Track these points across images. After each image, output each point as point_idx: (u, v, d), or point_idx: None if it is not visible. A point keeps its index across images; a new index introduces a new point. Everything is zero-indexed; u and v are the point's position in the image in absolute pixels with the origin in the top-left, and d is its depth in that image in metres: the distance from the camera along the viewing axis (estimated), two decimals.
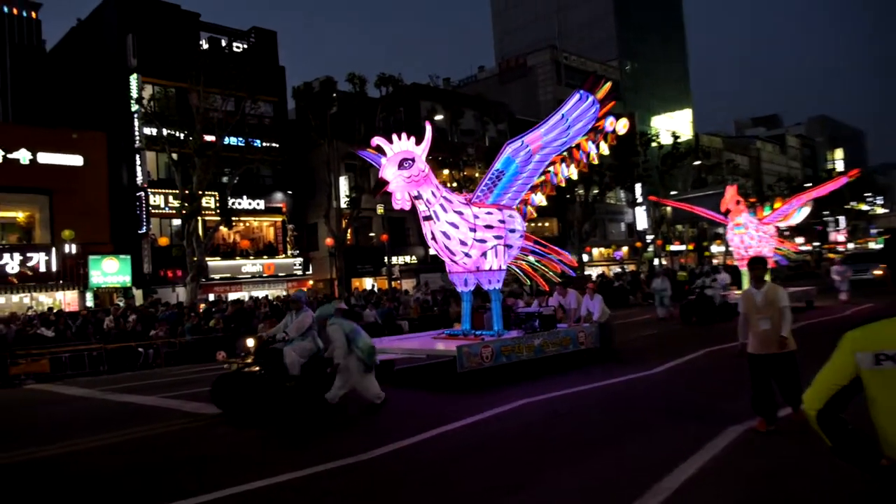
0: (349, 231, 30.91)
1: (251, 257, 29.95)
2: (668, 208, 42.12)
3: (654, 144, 45.13)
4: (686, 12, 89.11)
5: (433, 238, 10.61)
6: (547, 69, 52.64)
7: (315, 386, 8.76)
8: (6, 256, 22.67)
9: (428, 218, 10.44)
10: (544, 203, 12.66)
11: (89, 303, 23.99)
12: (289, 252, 31.51)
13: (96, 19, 31.28)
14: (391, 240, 30.15)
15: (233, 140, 27.01)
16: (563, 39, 65.20)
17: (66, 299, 24.26)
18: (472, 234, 10.53)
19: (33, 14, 38.09)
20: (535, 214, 12.60)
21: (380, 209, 29.84)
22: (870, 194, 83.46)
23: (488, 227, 10.76)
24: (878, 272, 27.23)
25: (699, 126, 74.09)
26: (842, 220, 72.50)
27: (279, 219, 31.60)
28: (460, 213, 10.47)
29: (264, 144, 29.44)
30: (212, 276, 27.96)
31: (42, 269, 23.37)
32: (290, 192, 31.76)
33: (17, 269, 22.76)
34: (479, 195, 11.01)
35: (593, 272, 40.22)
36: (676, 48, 75.28)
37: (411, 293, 25.48)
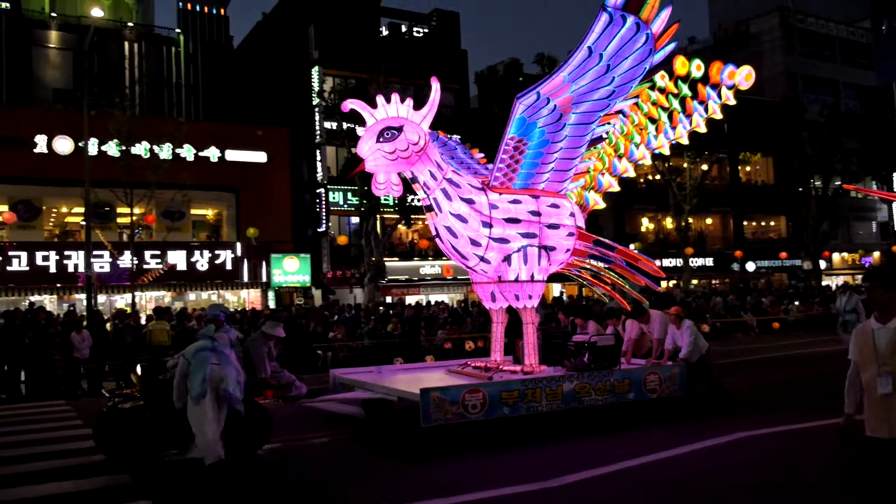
0: None
1: (430, 258, 31.15)
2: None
3: None
4: None
5: (438, 236, 9.00)
6: (775, 36, 48.99)
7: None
8: (196, 254, 25.68)
9: (430, 209, 8.89)
10: (614, 188, 10.49)
11: (271, 302, 26.46)
12: None
13: (280, 12, 34.46)
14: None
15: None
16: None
17: (250, 298, 26.95)
18: (487, 231, 8.68)
19: (222, 10, 42.75)
20: (598, 205, 10.38)
21: None
22: None
23: (511, 220, 8.79)
24: None
25: None
26: None
27: None
28: (470, 202, 8.63)
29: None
30: (390, 277, 29.51)
31: (228, 266, 26.18)
32: None
33: (206, 267, 25.70)
34: (500, 176, 8.83)
35: (833, 282, 36.78)
36: None
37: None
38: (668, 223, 36.80)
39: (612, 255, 9.67)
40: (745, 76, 9.61)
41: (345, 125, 27.01)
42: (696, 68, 9.53)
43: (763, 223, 41.45)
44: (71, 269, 23.02)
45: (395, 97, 8.43)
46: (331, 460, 7.78)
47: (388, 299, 27.76)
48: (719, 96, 9.72)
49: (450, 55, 32.28)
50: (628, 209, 36.32)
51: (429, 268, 30.96)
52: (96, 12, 23.62)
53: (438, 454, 7.72)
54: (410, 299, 28.43)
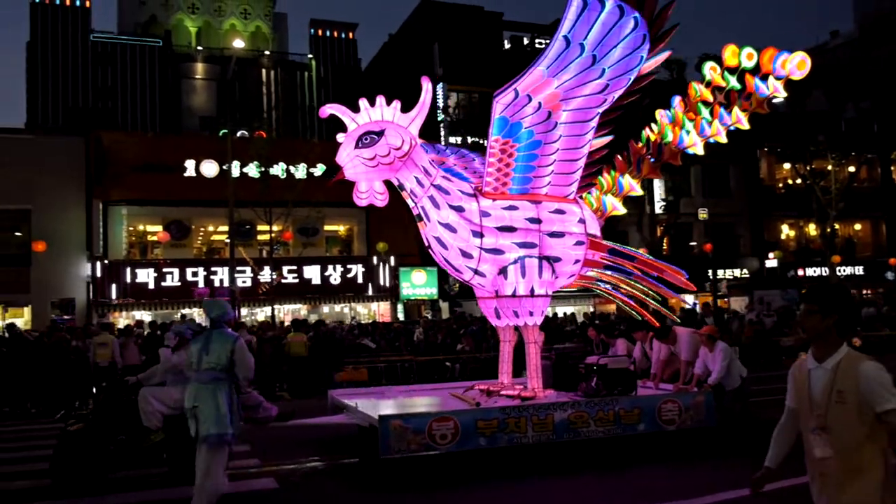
0: (665, 239, 30.17)
1: None
2: None
3: None
4: None
5: (430, 248, 8.35)
6: None
7: (182, 449, 6.93)
8: (329, 268, 26.80)
9: (419, 218, 8.24)
10: (637, 192, 9.44)
11: (400, 314, 27.17)
12: None
13: (405, 32, 35.52)
14: (716, 249, 28.66)
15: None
16: None
17: (380, 310, 27.80)
18: (478, 241, 7.92)
19: (350, 35, 44.59)
20: (616, 210, 9.37)
21: (702, 214, 28.62)
22: None
23: (506, 229, 7.97)
24: None
25: None
26: None
27: None
28: (459, 210, 7.89)
29: None
30: None
31: (359, 280, 27.15)
32: None
33: (339, 281, 26.77)
34: (491, 181, 7.99)
35: None
36: None
37: (743, 313, 23.91)
38: (812, 230, 34.66)
39: (631, 265, 8.84)
40: (797, 64, 8.55)
41: (469, 139, 27.40)
42: (748, 57, 8.64)
43: (841, 226, 38.30)
44: (217, 283, 24.66)
45: (380, 100, 7.90)
46: (277, 496, 7.16)
47: None
48: (767, 88, 8.74)
49: None
50: (767, 216, 34.50)
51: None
52: (238, 43, 25.36)
53: (395, 489, 7.09)
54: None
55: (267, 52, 40.68)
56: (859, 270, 34.79)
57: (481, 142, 27.07)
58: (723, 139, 9.04)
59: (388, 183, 8.32)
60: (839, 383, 3.05)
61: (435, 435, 7.19)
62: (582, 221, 8.50)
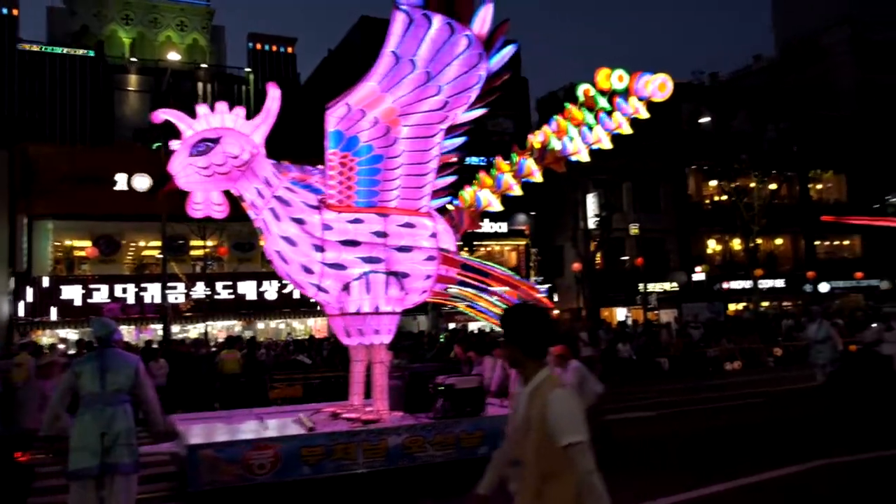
0: (598, 254, 30.71)
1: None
2: None
3: None
4: None
5: (272, 262, 7.92)
6: (844, 49, 47.42)
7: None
8: (265, 283, 26.31)
9: (260, 232, 7.88)
10: (495, 207, 9.23)
11: None
12: (532, 278, 32.20)
13: (345, 47, 35.38)
14: (647, 263, 29.31)
15: (474, 160, 28.49)
16: (865, 9, 58.30)
17: (316, 326, 27.41)
18: (319, 256, 7.59)
19: (289, 49, 44.14)
20: (491, 206, 9.17)
21: (634, 229, 29.25)
22: None
23: (349, 243, 7.65)
24: None
25: None
26: None
27: (522, 242, 32.51)
28: (300, 222, 7.55)
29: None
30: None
31: (295, 295, 26.72)
32: (533, 213, 32.55)
33: (275, 296, 26.29)
34: (334, 193, 7.70)
35: None
36: None
37: (672, 326, 24.48)
38: (736, 244, 35.81)
39: (487, 281, 8.59)
40: (658, 86, 8.41)
41: None
42: (619, 79, 8.59)
43: (836, 242, 39.86)
44: (147, 300, 23.92)
45: (221, 106, 7.54)
46: None
47: (452, 326, 27.79)
48: (628, 104, 8.60)
49: (510, 83, 32.36)
50: (694, 231, 35.50)
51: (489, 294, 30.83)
52: (173, 56, 24.76)
53: None
54: (473, 325, 28.38)
55: (204, 65, 39.92)
56: (780, 283, 36.08)
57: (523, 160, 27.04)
58: (606, 145, 8.78)
59: None
60: (530, 410, 2.80)
61: (252, 464, 6.68)
62: (434, 235, 8.17)
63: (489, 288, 8.62)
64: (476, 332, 23.26)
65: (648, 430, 10.95)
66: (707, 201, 36.24)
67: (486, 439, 7.57)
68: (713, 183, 34.77)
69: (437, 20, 6.74)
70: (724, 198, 33.29)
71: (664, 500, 6.76)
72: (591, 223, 30.87)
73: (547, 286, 31.73)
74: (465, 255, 9.47)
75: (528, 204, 32.58)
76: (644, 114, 8.63)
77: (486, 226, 31.13)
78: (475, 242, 28.87)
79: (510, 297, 8.74)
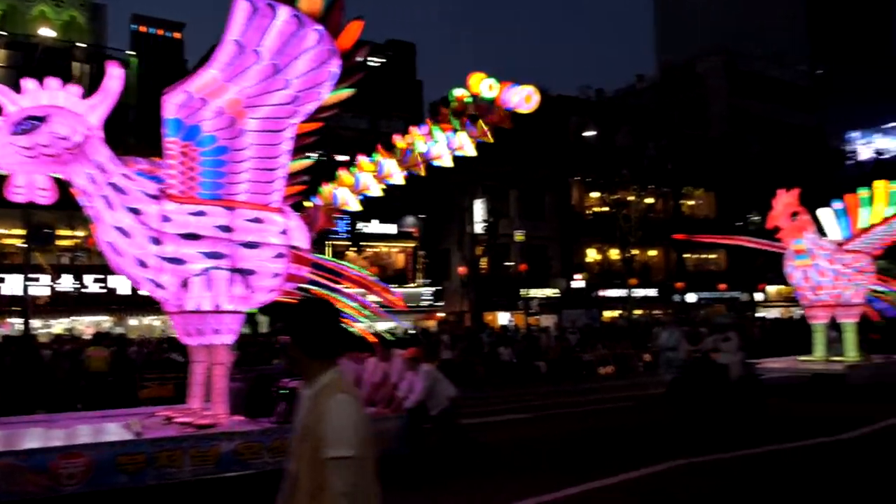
0: (484, 259, 31.20)
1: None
2: None
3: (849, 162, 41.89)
4: None
5: (104, 254, 7.38)
6: (718, 76, 50.58)
7: None
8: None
9: (91, 221, 7.41)
10: (352, 207, 9.15)
11: None
12: (419, 281, 32.30)
13: None
14: (530, 270, 30.04)
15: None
16: (738, 41, 62.47)
17: None
18: (155, 249, 7.10)
19: (176, 34, 42.33)
20: (347, 205, 9.05)
21: (519, 235, 29.91)
22: None
23: (190, 236, 7.18)
24: None
25: None
26: None
27: (410, 245, 32.54)
28: (136, 213, 7.05)
29: None
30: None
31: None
32: (422, 215, 32.68)
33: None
34: (176, 183, 7.26)
35: (769, 314, 37.67)
36: (882, 49, 69.69)
37: (551, 331, 25.17)
38: (614, 254, 37.32)
39: (341, 281, 8.32)
40: (524, 97, 8.33)
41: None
42: (489, 88, 8.54)
43: (704, 256, 42.32)
44: (6, 291, 22.21)
45: (52, 82, 6.90)
46: None
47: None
48: (491, 114, 8.55)
49: (405, 85, 32.45)
50: (576, 240, 36.74)
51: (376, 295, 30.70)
52: (46, 31, 23.12)
53: None
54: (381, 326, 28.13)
55: (81, 44, 37.56)
56: (653, 293, 37.94)
57: (309, 155, 26.52)
58: (470, 152, 8.70)
59: None
60: (308, 417, 2.53)
61: (61, 474, 6.10)
62: (285, 232, 7.76)
63: (343, 289, 8.37)
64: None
65: (523, 431, 11.14)
66: (588, 212, 37.59)
67: (261, 454, 7.10)
68: (595, 194, 36.10)
69: (283, 11, 6.45)
70: (605, 209, 34.64)
71: (531, 500, 6.84)
72: (478, 228, 31.31)
73: (433, 289, 31.99)
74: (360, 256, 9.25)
75: (418, 206, 32.70)
76: (508, 124, 8.59)
77: (375, 226, 30.96)
78: (362, 243, 28.64)
79: (366, 299, 8.63)
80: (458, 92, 8.65)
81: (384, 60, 33.44)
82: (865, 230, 14.77)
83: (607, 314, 35.00)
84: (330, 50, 6.80)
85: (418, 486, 7.37)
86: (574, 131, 36.24)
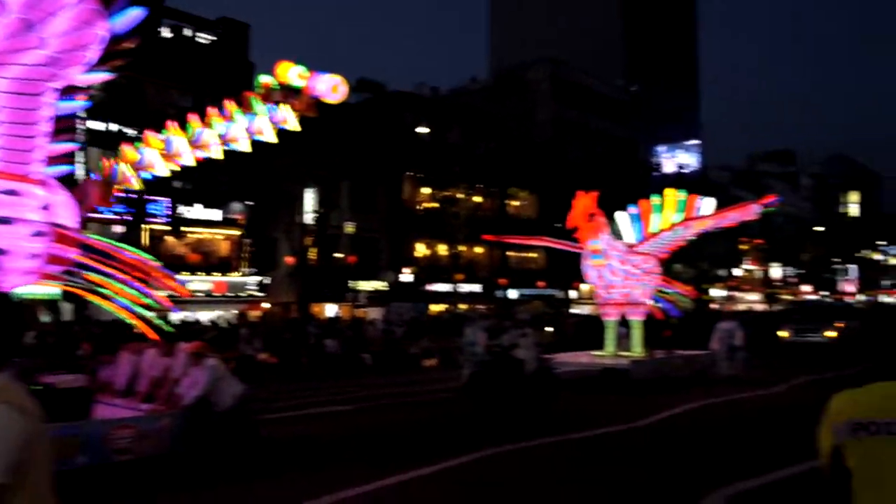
0: (313, 249, 30.71)
1: (201, 273, 29.55)
2: None
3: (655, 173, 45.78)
4: (700, 39, 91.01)
5: None
6: (545, 85, 53.22)
7: None
8: None
9: None
10: (133, 185, 8.67)
11: None
12: (243, 270, 31.16)
13: None
14: (360, 262, 29.98)
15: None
16: (565, 53, 66.19)
17: None
18: None
19: None
20: (129, 182, 8.47)
21: (349, 227, 29.74)
22: (883, 242, 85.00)
23: None
24: (831, 333, 23.80)
25: (708, 157, 75.34)
26: (853, 268, 73.65)
27: (236, 232, 31.28)
28: None
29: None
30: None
31: None
32: (249, 202, 31.51)
33: None
34: None
35: (582, 310, 40.29)
36: (688, 75, 76.71)
37: (378, 323, 25.28)
38: (442, 250, 38.17)
39: (115, 265, 7.66)
40: (331, 87, 8.07)
41: (114, 126, 24.88)
42: (298, 76, 8.29)
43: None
44: None
45: None
46: None
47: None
48: (296, 98, 8.21)
49: (236, 66, 31.07)
50: (406, 234, 37.17)
51: (199, 283, 29.29)
52: None
53: None
54: (175, 316, 26.66)
55: None
56: (477, 288, 39.27)
57: (125, 131, 24.74)
58: (269, 138, 8.44)
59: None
60: None
61: None
62: (46, 208, 6.95)
63: (119, 274, 7.64)
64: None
65: (344, 423, 11.10)
66: (419, 207, 38.16)
67: (87, 447, 6.67)
68: (426, 190, 36.69)
69: None
70: (435, 205, 35.32)
71: (326, 497, 6.59)
72: (308, 218, 30.76)
73: (259, 279, 30.98)
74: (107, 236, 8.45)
75: (245, 193, 31.51)
76: (312, 112, 8.31)
77: (199, 212, 29.46)
78: (183, 228, 27.14)
79: (145, 288, 7.95)
80: (264, 78, 8.30)
81: (214, 38, 31.88)
82: (655, 234, 15.61)
83: (434, 308, 35.74)
84: (94, 10, 6.19)
85: (191, 488, 6.88)
86: (408, 127, 36.62)
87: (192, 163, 8.54)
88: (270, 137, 8.40)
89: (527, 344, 12.97)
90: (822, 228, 71.07)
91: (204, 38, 31.06)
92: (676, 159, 61.15)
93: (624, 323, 16.48)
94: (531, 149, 43.45)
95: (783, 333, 24.62)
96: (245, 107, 8.27)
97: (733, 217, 16.33)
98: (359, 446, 9.12)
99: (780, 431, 10.21)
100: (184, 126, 8.58)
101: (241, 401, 7.90)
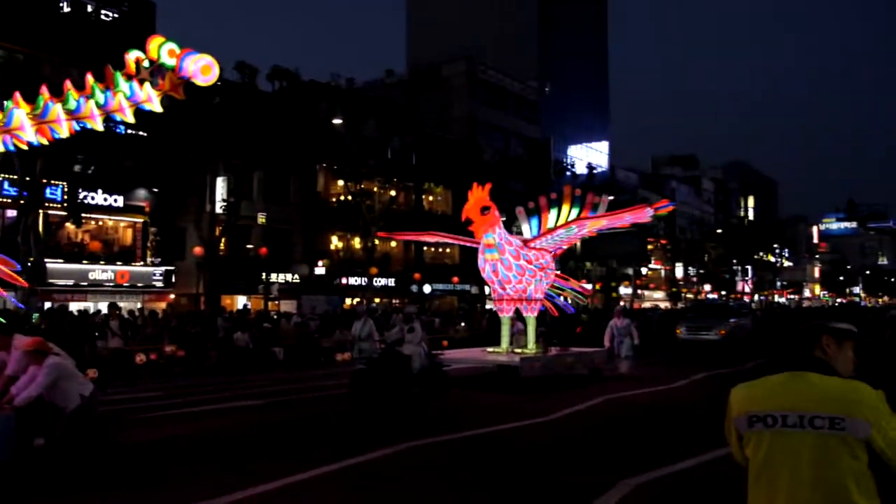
0: (223, 240, 29.75)
1: (102, 262, 28.11)
2: (578, 244, 43.41)
3: (567, 174, 46.77)
4: (609, 43, 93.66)
5: None
6: (461, 82, 53.49)
7: None
8: None
9: None
10: (28, 136, 8.39)
11: None
12: (148, 259, 29.84)
13: None
14: (272, 254, 29.23)
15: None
16: (481, 51, 66.72)
17: None
18: None
19: None
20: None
21: (261, 218, 28.98)
22: (777, 246, 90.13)
23: None
24: (723, 332, 24.39)
25: (616, 159, 77.65)
26: (749, 269, 77.72)
27: (140, 219, 29.89)
28: None
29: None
30: (51, 280, 25.97)
31: None
32: (155, 189, 30.19)
33: None
34: None
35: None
36: (598, 78, 78.84)
37: (295, 318, 24.72)
38: (357, 243, 37.77)
39: None
40: (200, 67, 7.74)
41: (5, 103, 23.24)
42: (169, 54, 7.87)
43: (440, 249, 44.52)
44: None
45: None
46: None
47: (47, 305, 24.35)
48: (161, 76, 7.82)
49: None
50: (320, 227, 36.57)
51: (100, 273, 27.85)
52: None
53: None
54: (75, 306, 25.30)
55: None
56: (392, 282, 39.07)
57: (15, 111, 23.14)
58: (128, 118, 8.02)
59: None
60: None
61: None
62: None
63: None
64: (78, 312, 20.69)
65: (249, 418, 10.76)
66: (333, 199, 37.61)
67: None
68: (341, 182, 36.18)
69: None
70: (349, 198, 34.87)
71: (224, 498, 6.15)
72: (219, 208, 29.77)
73: (164, 269, 29.75)
74: None
75: (150, 180, 30.15)
76: (156, 106, 7.89)
77: (100, 198, 27.99)
78: (84, 215, 25.72)
79: None
80: (132, 55, 7.86)
81: (117, 16, 30.36)
82: (550, 231, 15.29)
83: (349, 301, 35.33)
84: None
85: (18, 501, 6.22)
86: (323, 118, 36.00)
87: (31, 138, 8.04)
88: (128, 118, 7.94)
89: (413, 339, 12.68)
90: (720, 231, 74.68)
91: (107, 14, 29.54)
92: (588, 159, 62.71)
93: (521, 319, 16.17)
94: (446, 145, 43.58)
95: (678, 331, 25.12)
96: (109, 82, 7.76)
97: (628, 218, 15.61)
98: (224, 449, 8.46)
99: (682, 425, 10.43)
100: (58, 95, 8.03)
101: (88, 402, 7.00)
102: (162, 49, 7.70)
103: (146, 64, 7.75)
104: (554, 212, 16.13)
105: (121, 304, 26.09)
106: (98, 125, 7.90)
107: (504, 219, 15.64)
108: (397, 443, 8.44)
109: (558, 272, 16.88)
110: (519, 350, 15.52)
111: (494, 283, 14.93)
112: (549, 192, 19.22)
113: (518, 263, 14.46)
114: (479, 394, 13.38)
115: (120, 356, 14.61)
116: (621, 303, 48.12)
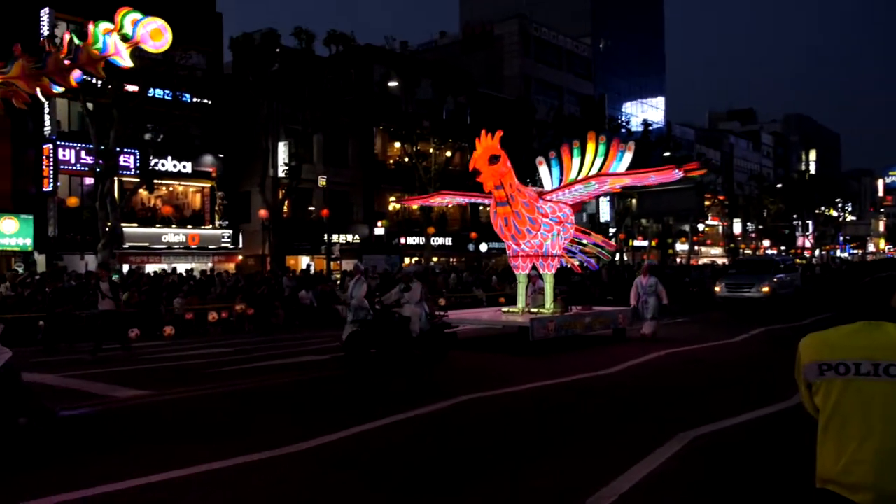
0: (286, 203, 30.45)
1: (174, 226, 29.18)
2: (633, 200, 42.82)
3: (623, 130, 45.84)
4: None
5: None
6: (514, 40, 52.71)
7: None
8: None
9: None
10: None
11: None
12: (217, 222, 30.83)
13: None
14: (333, 215, 29.82)
15: (159, 92, 26.16)
16: (533, 9, 65.41)
17: None
18: None
19: None
20: None
21: (322, 181, 29.49)
22: (839, 200, 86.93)
23: None
24: (766, 289, 22.52)
25: (672, 115, 75.69)
26: (810, 224, 75.32)
27: (208, 184, 30.85)
28: None
29: (195, 100, 28.61)
30: (127, 244, 27.13)
31: None
32: (221, 155, 31.02)
33: None
34: None
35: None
36: (653, 32, 76.44)
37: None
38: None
39: None
40: (149, 32, 7.38)
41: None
42: (130, 23, 7.58)
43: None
44: None
45: None
46: None
47: (126, 267, 25.50)
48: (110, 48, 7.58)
49: (203, 16, 30.23)
50: (378, 188, 36.99)
51: (172, 236, 28.93)
52: None
53: None
54: (150, 268, 26.46)
55: None
56: (449, 241, 39.38)
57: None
58: (98, 75, 8.02)
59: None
60: None
61: None
62: None
63: None
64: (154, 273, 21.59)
65: (311, 374, 11.05)
66: (391, 161, 37.91)
67: None
68: (397, 144, 36.40)
69: None
70: (406, 159, 35.10)
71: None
72: (281, 172, 30.43)
73: (232, 231, 30.71)
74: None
75: (217, 145, 30.97)
76: (126, 62, 7.69)
77: (170, 164, 28.94)
78: (156, 181, 26.64)
79: None
80: (103, 25, 7.67)
81: None
82: (570, 184, 14.18)
83: (407, 260, 35.83)
84: None
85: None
86: (378, 81, 36.14)
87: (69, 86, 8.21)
88: (98, 75, 8.06)
89: (412, 299, 11.73)
90: (780, 185, 72.38)
91: None
92: (644, 115, 61.38)
93: (541, 276, 15.01)
94: (500, 104, 43.21)
95: (717, 289, 23.78)
96: (88, 38, 7.75)
97: (653, 178, 14.18)
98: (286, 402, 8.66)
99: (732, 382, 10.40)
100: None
101: (9, 367, 6.25)
102: (126, 19, 7.58)
103: (77, 42, 7.75)
104: (577, 161, 15.09)
105: (192, 266, 27.15)
106: (71, 84, 7.96)
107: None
108: (440, 400, 8.43)
109: (578, 226, 15.73)
110: (535, 309, 14.52)
111: (508, 238, 13.82)
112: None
113: (532, 217, 13.27)
114: (486, 356, 12.72)
115: (111, 318, 14.24)
116: (645, 259, 46.99)
